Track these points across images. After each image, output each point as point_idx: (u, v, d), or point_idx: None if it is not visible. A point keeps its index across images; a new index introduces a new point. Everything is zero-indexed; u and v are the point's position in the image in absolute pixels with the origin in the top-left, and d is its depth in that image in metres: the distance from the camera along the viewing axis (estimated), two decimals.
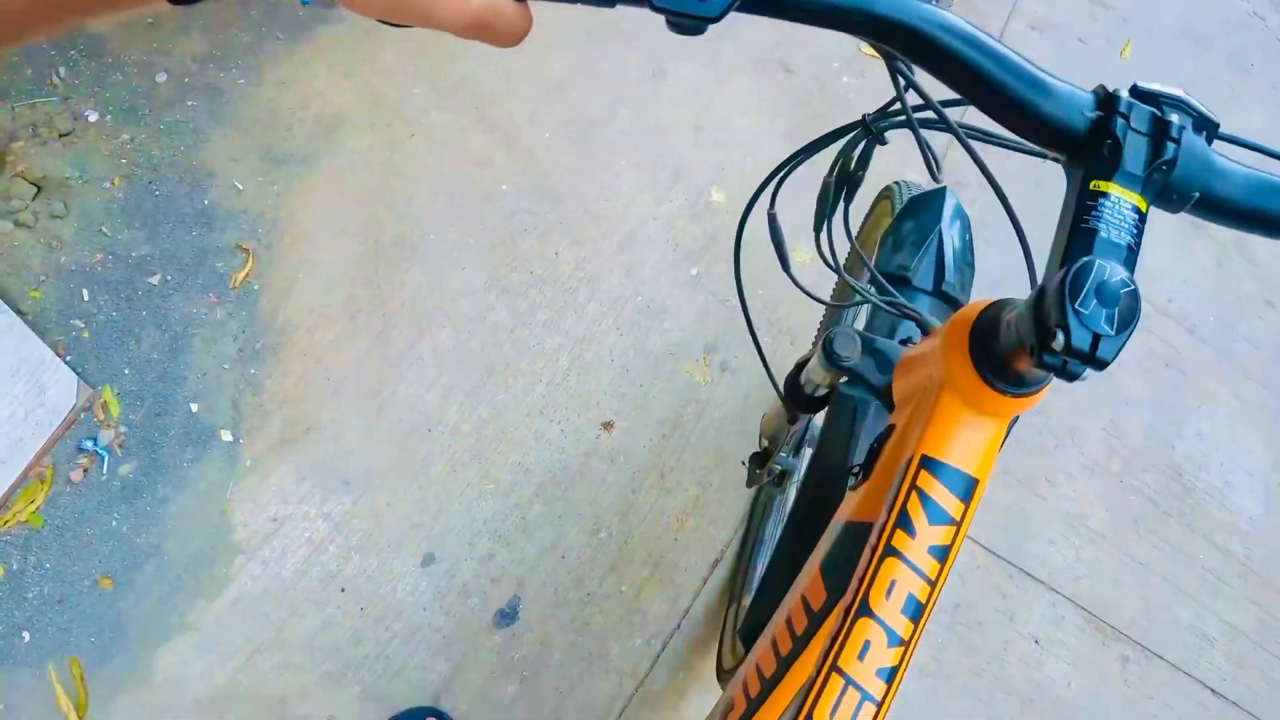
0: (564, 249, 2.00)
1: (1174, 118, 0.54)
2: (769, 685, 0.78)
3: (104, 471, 1.69)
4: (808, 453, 1.51)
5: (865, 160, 0.85)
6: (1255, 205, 0.57)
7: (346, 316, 1.85)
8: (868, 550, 0.62)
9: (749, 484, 1.48)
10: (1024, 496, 2.01)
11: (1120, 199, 0.54)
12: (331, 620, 1.66)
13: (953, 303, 1.05)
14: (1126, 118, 0.54)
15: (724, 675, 1.58)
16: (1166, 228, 2.30)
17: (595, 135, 2.19)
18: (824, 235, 0.89)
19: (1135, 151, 0.54)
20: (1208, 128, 0.57)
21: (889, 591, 0.60)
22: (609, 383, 1.89)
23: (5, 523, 1.65)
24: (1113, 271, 0.51)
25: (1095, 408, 2.16)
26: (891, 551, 0.61)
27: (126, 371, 1.76)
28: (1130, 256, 0.54)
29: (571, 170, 2.10)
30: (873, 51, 2.52)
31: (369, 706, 1.63)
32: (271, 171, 2.00)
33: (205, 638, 1.62)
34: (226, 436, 1.73)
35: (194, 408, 1.75)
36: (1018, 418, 0.75)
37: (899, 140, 0.86)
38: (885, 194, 1.39)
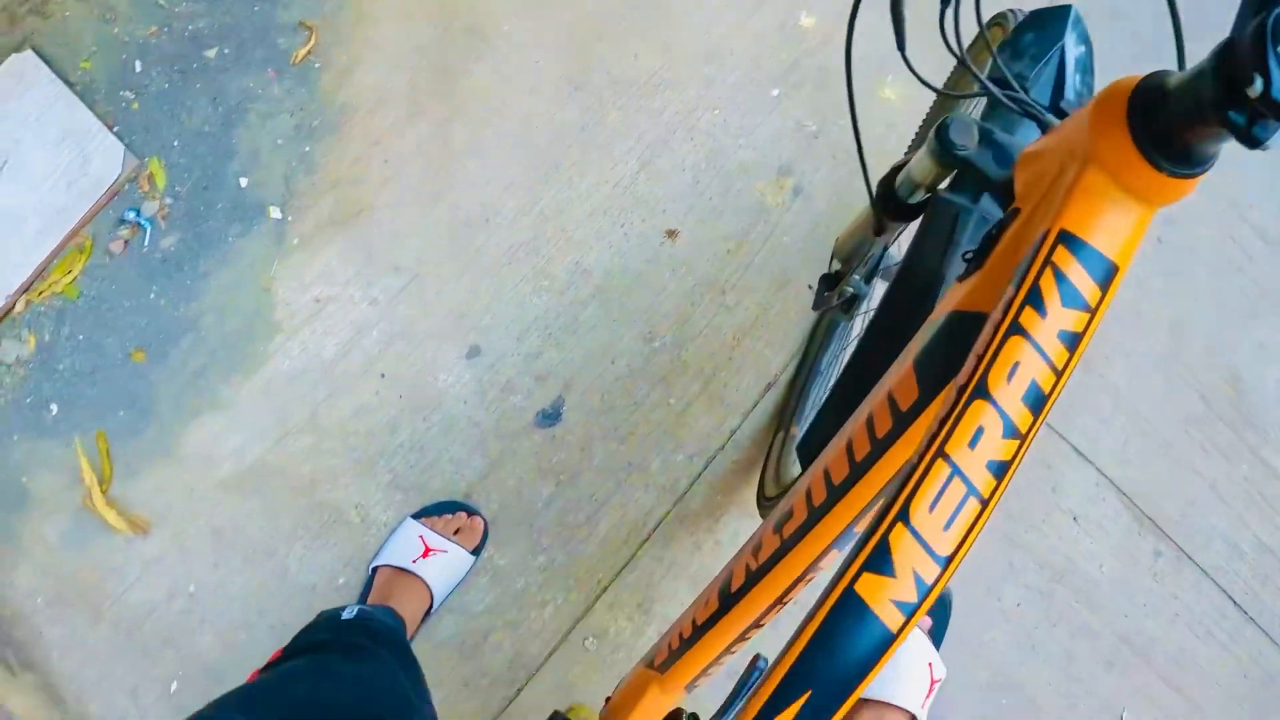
0: (644, 53, 1.71)
1: None
2: (837, 492, 0.69)
3: (145, 243, 1.48)
4: (880, 286, 1.36)
5: None
6: None
7: (410, 101, 1.60)
8: (989, 328, 0.53)
9: (815, 307, 1.31)
10: (1083, 370, 1.71)
11: None
12: (368, 406, 1.44)
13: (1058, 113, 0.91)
14: None
15: (765, 504, 1.36)
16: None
17: None
18: (949, 14, 0.78)
19: None
20: None
21: (1010, 374, 0.51)
22: (678, 191, 1.63)
23: (40, 293, 1.45)
24: None
25: (1164, 297, 1.86)
26: (1018, 330, 0.52)
27: (175, 144, 1.53)
28: None
29: None
30: None
31: (398, 496, 1.41)
32: None
33: (237, 416, 1.42)
34: (275, 213, 1.52)
35: (243, 182, 1.53)
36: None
37: None
38: (998, 19, 1.27)
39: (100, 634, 1.37)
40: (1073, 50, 1.06)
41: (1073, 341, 0.53)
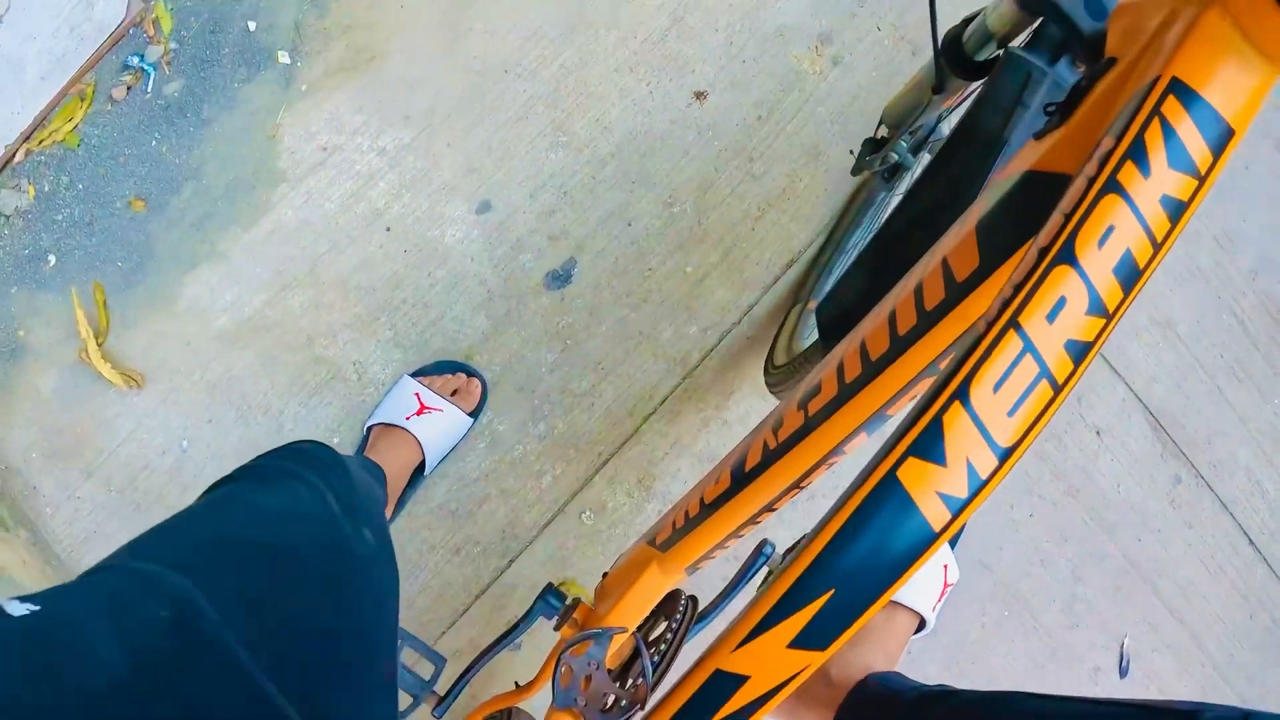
0: None
1: None
2: (875, 367, 0.60)
3: (148, 90, 1.39)
4: (926, 159, 1.25)
5: None
6: None
7: None
8: (1081, 182, 0.44)
9: (854, 171, 1.19)
10: None
11: None
12: (371, 259, 1.36)
13: None
14: None
15: (772, 371, 1.28)
16: None
17: None
18: None
19: None
20: None
21: (1103, 240, 0.42)
22: (709, 51, 1.50)
23: (41, 141, 1.37)
24: None
25: (1213, 213, 1.73)
26: (1116, 188, 0.43)
27: None
28: None
29: None
30: None
31: (397, 354, 1.34)
32: None
33: (236, 267, 1.35)
34: (284, 58, 1.42)
35: (251, 26, 1.42)
36: None
37: None
38: None
39: (93, 489, 1.32)
40: None
41: (1177, 211, 0.44)
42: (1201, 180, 0.44)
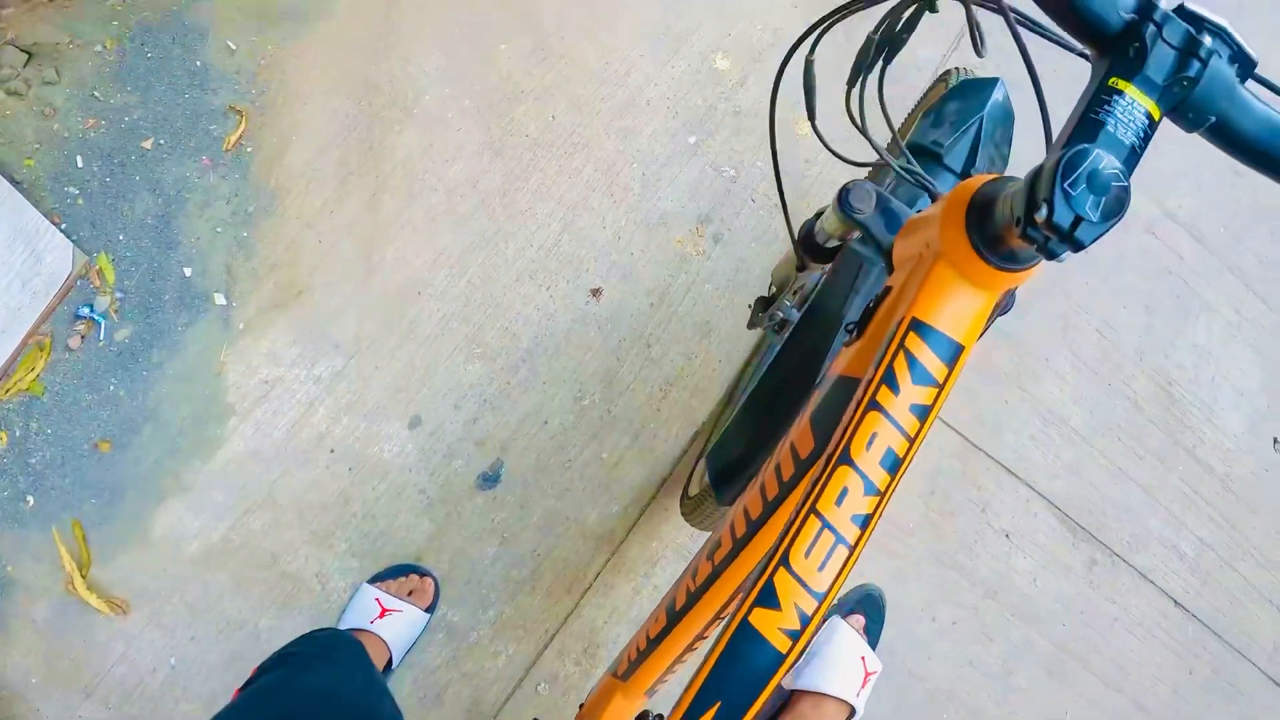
0: (561, 113, 1.77)
1: (1208, 40, 0.54)
2: (754, 526, 0.78)
3: (101, 337, 1.55)
4: None
5: (912, 24, 0.83)
6: (1268, 145, 0.57)
7: (339, 180, 1.67)
8: (853, 403, 0.61)
9: (750, 325, 1.35)
10: (1010, 390, 1.82)
11: (1134, 101, 0.54)
12: (320, 480, 1.52)
13: None
14: (1160, 27, 0.54)
15: (686, 501, 1.48)
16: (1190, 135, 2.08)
17: None
18: (855, 93, 0.86)
19: (1160, 61, 0.54)
20: (1243, 62, 0.56)
21: (869, 443, 0.60)
22: (600, 249, 1.70)
23: (7, 391, 1.51)
24: (1109, 164, 0.50)
25: (1091, 307, 1.92)
26: (875, 406, 0.61)
27: (121, 237, 1.60)
28: (1131, 156, 0.54)
29: (573, 31, 1.86)
30: None
31: (354, 563, 1.50)
32: (266, 30, 1.78)
33: (200, 497, 1.50)
34: (220, 300, 1.59)
35: (187, 272, 1.59)
36: (1013, 294, 0.77)
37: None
38: (944, 77, 1.29)
39: (91, 709, 1.47)
40: (990, 120, 1.15)
41: (923, 413, 0.61)
42: (941, 386, 0.61)
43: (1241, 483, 1.97)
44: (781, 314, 1.30)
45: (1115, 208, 0.51)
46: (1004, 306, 0.82)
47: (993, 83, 1.19)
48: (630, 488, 1.60)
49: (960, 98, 1.14)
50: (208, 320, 1.58)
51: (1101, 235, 0.51)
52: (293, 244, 1.62)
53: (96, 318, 1.58)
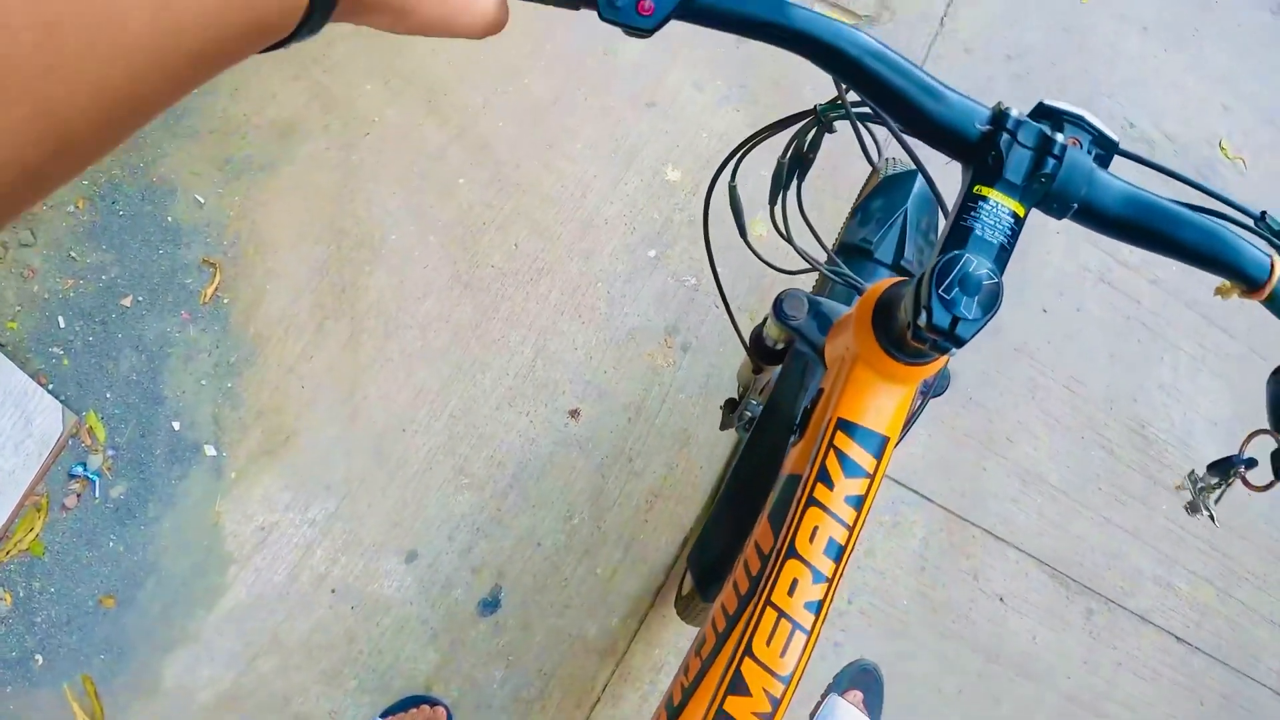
0: (523, 240, 2.07)
1: (1060, 137, 0.63)
2: (731, 621, 0.85)
3: (96, 495, 1.78)
4: None
5: (816, 145, 0.95)
6: (1130, 219, 0.65)
7: (315, 324, 1.93)
8: (794, 502, 0.73)
9: (721, 427, 1.54)
10: (985, 456, 2.10)
11: (999, 203, 0.63)
12: (324, 620, 1.77)
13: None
14: (1013, 134, 0.62)
15: (679, 600, 1.63)
16: (1133, 177, 2.34)
17: (549, 119, 2.23)
18: (778, 208, 0.99)
19: (1018, 164, 0.62)
20: (1105, 145, 0.66)
21: (812, 536, 0.71)
22: (574, 371, 1.98)
23: (7, 553, 1.74)
24: (978, 265, 0.61)
25: (1057, 365, 2.22)
26: (813, 502, 0.72)
27: (108, 395, 1.84)
28: (1002, 254, 0.63)
29: (527, 158, 2.15)
30: (824, 9, 2.55)
31: (366, 699, 1.74)
32: (231, 182, 2.05)
33: (207, 646, 1.73)
34: (210, 451, 1.82)
35: (176, 425, 1.83)
36: (944, 374, 0.96)
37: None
38: (874, 172, 1.45)
39: None
40: (914, 212, 1.33)
41: (859, 502, 0.73)
42: (872, 477, 0.73)
43: (1227, 511, 2.18)
44: (750, 413, 1.45)
45: (989, 303, 0.61)
46: (937, 388, 1.04)
47: (912, 175, 1.32)
48: (627, 599, 1.79)
49: (884, 194, 1.27)
50: (200, 471, 1.77)
51: (980, 328, 0.62)
52: (276, 391, 1.81)
53: (90, 476, 1.77)
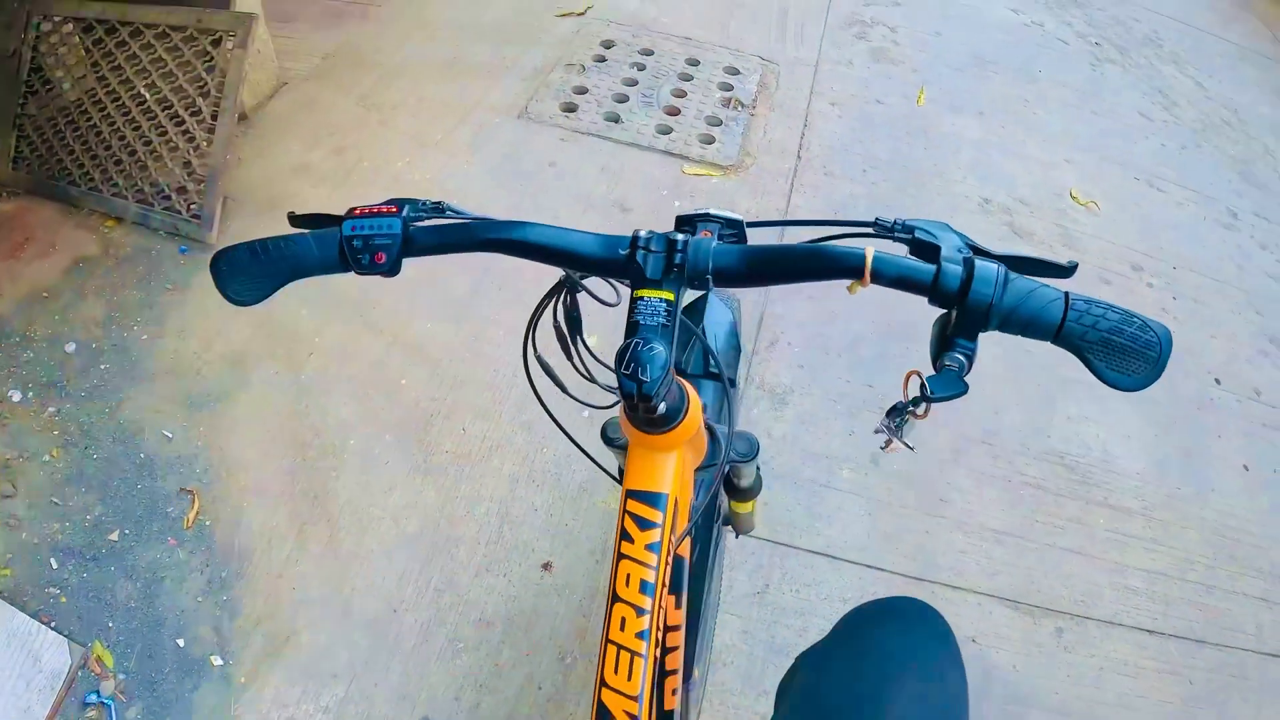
0: (469, 424, 2.52)
1: (680, 236, 0.91)
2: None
3: (114, 719, 2.14)
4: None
5: (574, 303, 1.17)
6: (755, 269, 0.91)
7: (295, 530, 2.33)
8: (611, 559, 1.02)
9: None
10: (925, 520, 2.50)
11: (651, 297, 0.91)
12: None
13: (723, 380, 1.40)
14: (645, 247, 0.91)
15: None
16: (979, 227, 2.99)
17: (469, 312, 2.75)
18: (575, 359, 1.21)
19: (654, 265, 0.91)
20: (735, 226, 0.98)
21: (627, 581, 0.97)
22: (538, 529, 2.38)
23: None
24: (644, 345, 0.89)
25: (970, 421, 2.67)
26: (622, 556, 0.99)
27: (110, 624, 2.18)
28: (665, 331, 0.90)
29: (457, 351, 2.65)
30: (694, 170, 3.23)
31: None
32: (194, 414, 2.50)
33: None
34: (217, 660, 2.16)
35: (180, 642, 2.17)
36: (750, 443, 1.34)
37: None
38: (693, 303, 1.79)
39: None
40: (712, 327, 1.74)
41: (657, 547, 0.98)
42: (662, 527, 0.99)
43: (1162, 507, 2.63)
44: None
45: (661, 366, 0.89)
46: (743, 452, 1.38)
47: (704, 297, 1.72)
48: None
49: (685, 315, 1.37)
50: (211, 682, 2.16)
51: (659, 387, 0.89)
52: (270, 596, 2.24)
53: (105, 701, 2.14)
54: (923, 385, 0.91)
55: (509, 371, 2.62)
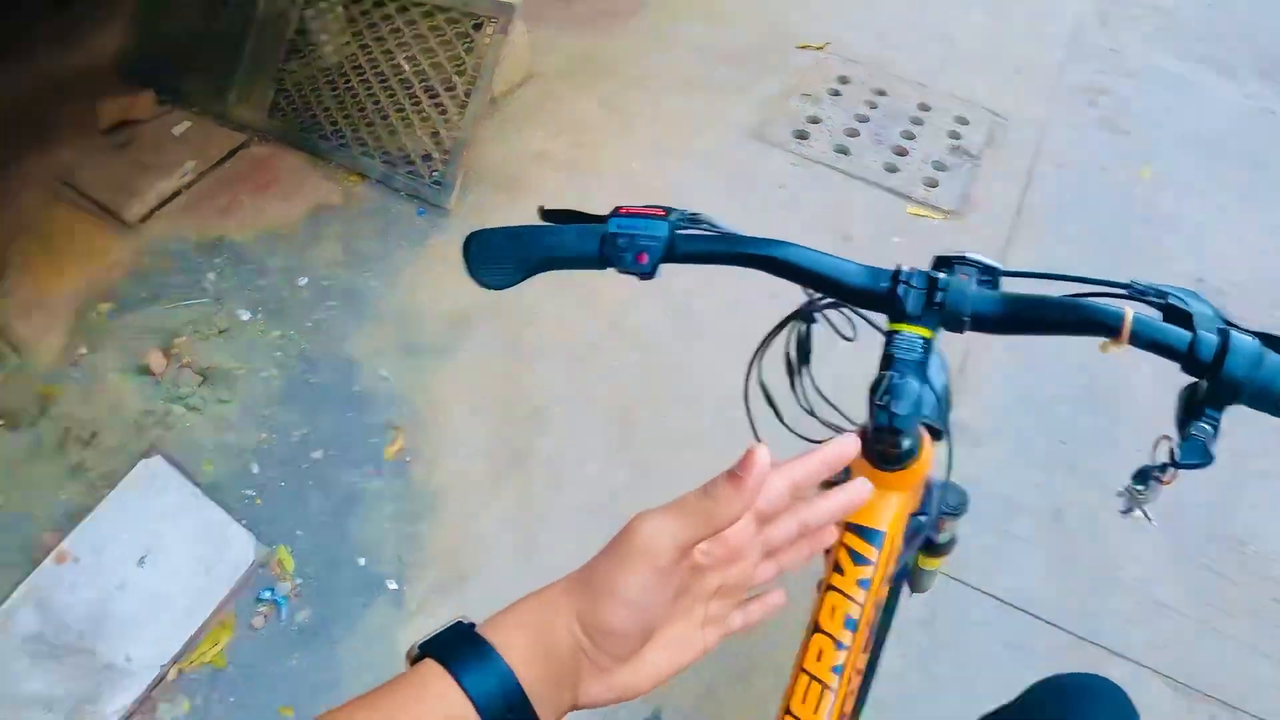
0: (670, 415, 2.66)
1: (942, 275, 0.93)
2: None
3: (283, 618, 2.27)
4: None
5: (808, 335, 1.25)
6: (1011, 316, 0.92)
7: (490, 480, 2.49)
8: (817, 588, 1.02)
9: None
10: (1098, 582, 2.51)
11: (908, 332, 0.93)
12: None
13: (933, 432, 1.30)
14: (907, 283, 0.93)
15: None
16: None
17: (688, 310, 2.91)
18: (798, 390, 1.27)
19: (915, 301, 0.92)
20: (991, 272, 0.96)
21: (832, 614, 0.98)
22: None
23: (191, 662, 2.21)
24: (900, 378, 0.91)
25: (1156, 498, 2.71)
26: (831, 588, 0.99)
27: (299, 533, 2.39)
28: (920, 369, 0.92)
29: (670, 345, 2.81)
30: (915, 210, 3.39)
31: None
32: (411, 361, 2.73)
33: None
34: (392, 585, 2.33)
35: (361, 561, 2.36)
36: (960, 495, 1.37)
37: None
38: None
39: None
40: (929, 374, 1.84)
41: (866, 584, 0.99)
42: (875, 564, 1.00)
43: None
44: None
45: (915, 403, 0.91)
46: (954, 506, 1.41)
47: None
48: None
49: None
50: (382, 603, 2.35)
51: (913, 423, 0.93)
52: (455, 536, 2.44)
53: (278, 600, 2.35)
54: (1172, 451, 0.92)
55: (717, 373, 2.77)
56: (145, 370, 2.75)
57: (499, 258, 1.05)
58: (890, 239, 3.27)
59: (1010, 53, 4.24)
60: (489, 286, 1.06)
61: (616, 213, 1.03)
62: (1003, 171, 3.64)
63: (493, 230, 1.05)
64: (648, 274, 1.01)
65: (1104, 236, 3.42)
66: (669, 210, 1.03)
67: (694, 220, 1.05)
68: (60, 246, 3.22)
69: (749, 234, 1.04)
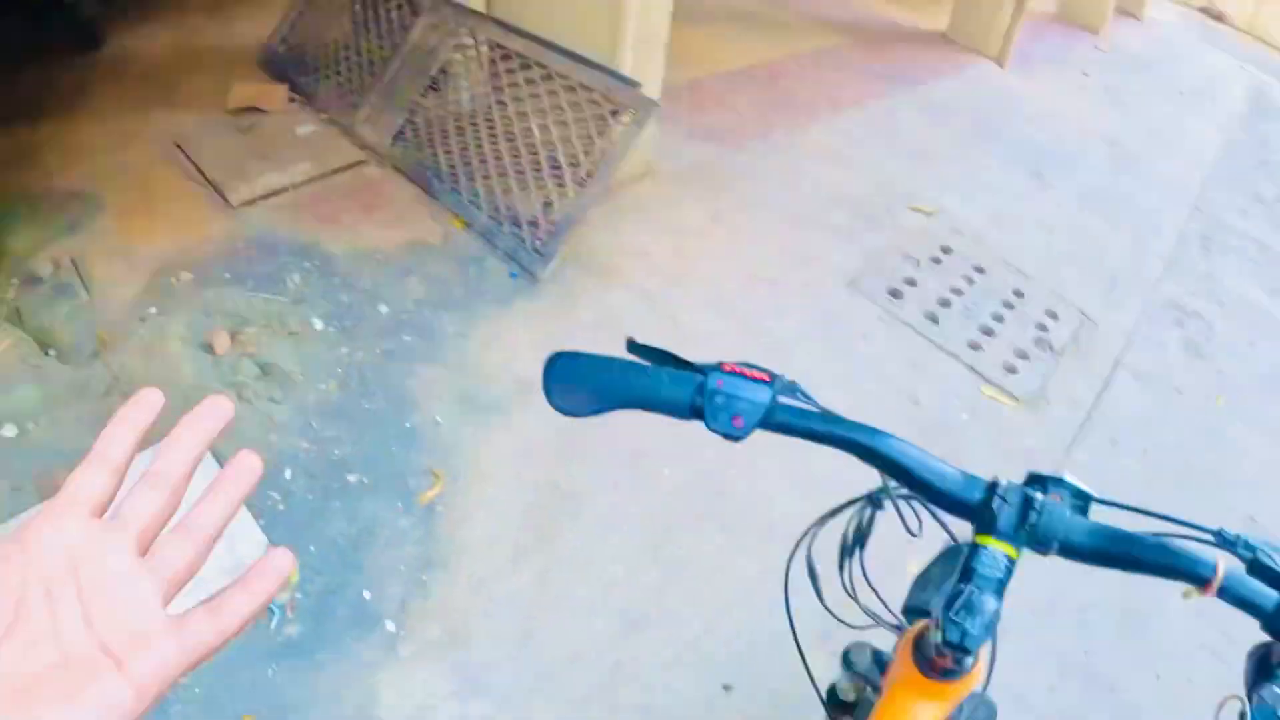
0: (711, 534, 2.70)
1: (1038, 496, 0.94)
2: None
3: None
4: None
5: (870, 521, 1.27)
6: (1100, 548, 0.93)
7: (513, 552, 2.54)
8: None
9: None
10: None
11: (995, 549, 0.93)
12: None
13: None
14: (1003, 497, 0.94)
15: None
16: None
17: (753, 441, 2.94)
18: (845, 574, 1.29)
19: (1007, 518, 0.94)
20: (1083, 497, 0.97)
21: None
22: (731, 652, 2.48)
23: None
24: (979, 594, 0.91)
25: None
26: None
27: (312, 548, 2.44)
28: (999, 587, 0.92)
29: (723, 468, 2.86)
30: (990, 393, 3.45)
31: None
32: (468, 413, 2.80)
33: None
34: (390, 626, 2.36)
35: (366, 594, 2.40)
36: (990, 709, 1.26)
37: None
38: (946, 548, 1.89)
39: None
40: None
41: None
42: None
43: None
44: None
45: (989, 623, 0.90)
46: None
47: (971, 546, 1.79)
48: None
49: (942, 562, 1.50)
50: (375, 640, 2.38)
51: (981, 642, 0.91)
52: (464, 596, 2.48)
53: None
54: (1242, 715, 0.89)
55: (763, 509, 2.83)
56: (208, 348, 2.85)
57: (581, 384, 1.03)
58: (959, 415, 3.34)
59: (1111, 259, 4.42)
60: (563, 412, 1.05)
61: (719, 367, 1.00)
62: (1082, 373, 3.77)
63: (581, 355, 1.03)
64: (737, 438, 0.98)
65: (1167, 455, 3.51)
66: (774, 377, 1.01)
67: (792, 389, 1.03)
68: (158, 205, 3.35)
69: (848, 417, 1.02)
